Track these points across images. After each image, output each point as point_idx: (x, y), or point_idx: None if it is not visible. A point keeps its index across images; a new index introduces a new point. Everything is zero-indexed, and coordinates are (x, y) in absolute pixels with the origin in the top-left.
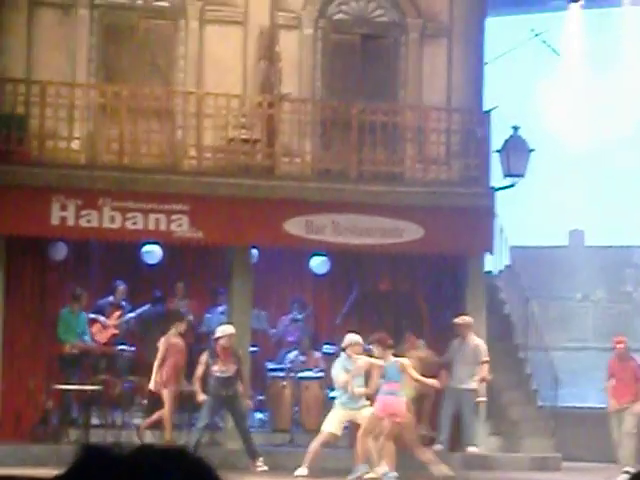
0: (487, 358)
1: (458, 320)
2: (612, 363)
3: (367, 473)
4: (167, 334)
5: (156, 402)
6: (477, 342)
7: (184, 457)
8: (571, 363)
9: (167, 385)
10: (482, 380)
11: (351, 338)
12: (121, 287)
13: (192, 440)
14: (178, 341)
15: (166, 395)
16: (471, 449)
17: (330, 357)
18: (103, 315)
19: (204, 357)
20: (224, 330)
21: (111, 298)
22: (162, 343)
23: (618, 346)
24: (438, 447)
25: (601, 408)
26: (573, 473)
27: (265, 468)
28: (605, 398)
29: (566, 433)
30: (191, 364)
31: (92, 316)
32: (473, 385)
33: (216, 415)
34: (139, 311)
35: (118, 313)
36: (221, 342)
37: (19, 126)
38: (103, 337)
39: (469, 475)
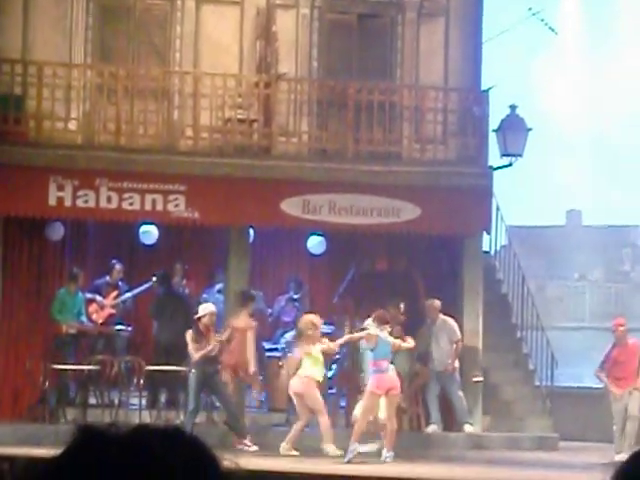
0: (459, 336)
1: (428, 303)
2: (611, 347)
3: (358, 451)
4: (239, 315)
5: (153, 381)
6: (449, 322)
7: (180, 437)
8: (568, 343)
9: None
10: (451, 367)
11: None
12: (117, 267)
13: (186, 424)
14: (251, 322)
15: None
16: (467, 428)
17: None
18: (100, 295)
19: (189, 336)
20: (205, 309)
21: (108, 278)
22: (241, 323)
23: (620, 329)
24: (432, 428)
25: (598, 388)
26: (570, 452)
27: (255, 448)
28: (597, 383)
29: (563, 413)
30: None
31: (89, 296)
32: (453, 365)
33: (202, 394)
34: (137, 290)
35: (115, 293)
36: (203, 320)
37: (16, 106)
38: (100, 317)
39: (465, 455)
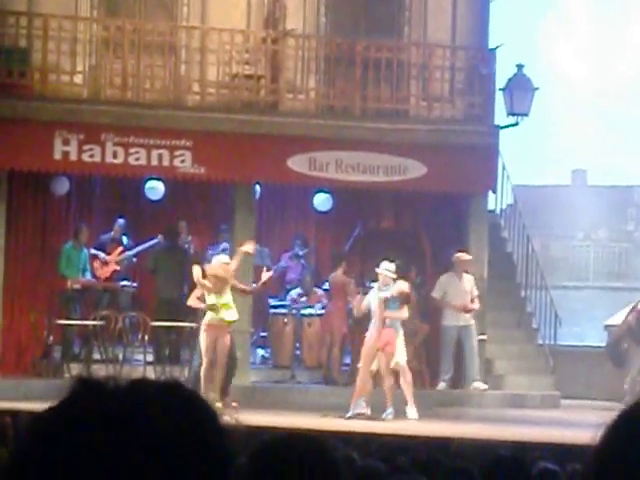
0: (477, 292)
1: (459, 257)
2: None
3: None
4: (336, 272)
5: (156, 338)
6: (468, 277)
7: (178, 391)
8: (572, 301)
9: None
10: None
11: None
12: (119, 223)
13: (190, 377)
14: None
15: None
16: (476, 384)
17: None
18: (104, 251)
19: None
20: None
21: (112, 234)
22: (338, 281)
23: None
24: (442, 385)
25: (600, 347)
26: (572, 411)
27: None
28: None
29: (566, 371)
30: None
31: (93, 252)
32: (471, 321)
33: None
34: (142, 247)
35: (119, 249)
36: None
37: (21, 59)
38: (104, 273)
39: (467, 412)
